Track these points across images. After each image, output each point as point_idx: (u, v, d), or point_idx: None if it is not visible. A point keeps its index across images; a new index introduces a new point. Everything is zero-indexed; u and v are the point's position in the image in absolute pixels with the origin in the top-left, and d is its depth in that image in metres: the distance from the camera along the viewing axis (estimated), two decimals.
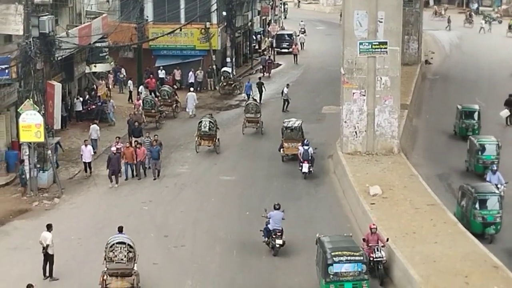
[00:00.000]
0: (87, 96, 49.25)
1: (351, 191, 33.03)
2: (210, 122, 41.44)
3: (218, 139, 41.95)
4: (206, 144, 41.63)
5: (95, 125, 42.99)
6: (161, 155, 37.91)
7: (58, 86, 38.17)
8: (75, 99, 48.26)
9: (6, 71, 35.30)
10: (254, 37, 77.14)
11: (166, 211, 32.72)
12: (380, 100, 37.59)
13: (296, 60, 71.36)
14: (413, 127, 46.87)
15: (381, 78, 37.35)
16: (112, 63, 52.26)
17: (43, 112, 35.25)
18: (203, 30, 59.09)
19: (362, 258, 23.92)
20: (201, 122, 41.61)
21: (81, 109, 47.95)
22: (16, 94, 36.63)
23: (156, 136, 38.71)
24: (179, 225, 31.02)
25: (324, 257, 23.98)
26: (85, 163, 37.95)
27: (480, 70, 65.27)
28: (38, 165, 35.31)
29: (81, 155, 38.18)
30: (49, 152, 35.81)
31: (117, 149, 37.22)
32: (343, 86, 38.15)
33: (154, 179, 37.03)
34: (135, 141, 40.33)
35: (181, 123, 49.31)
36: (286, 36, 79.24)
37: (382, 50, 37.02)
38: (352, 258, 23.84)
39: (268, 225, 28.12)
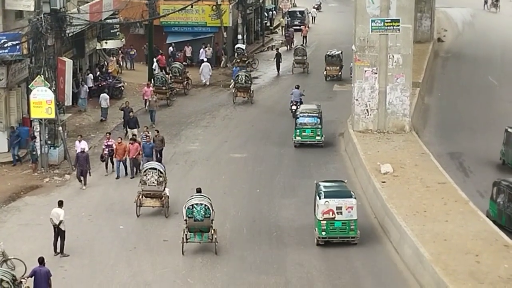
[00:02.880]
0: (98, 73, 49.19)
1: (362, 169, 32.96)
2: (245, 76, 47.31)
3: (253, 91, 47.82)
4: (242, 96, 47.34)
5: (104, 94, 43.72)
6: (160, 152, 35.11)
7: (69, 63, 38.09)
8: (86, 75, 48.19)
9: (17, 47, 35.25)
10: (266, 14, 76.78)
11: (177, 188, 32.65)
12: (392, 78, 37.41)
13: (306, 42, 69.27)
14: (425, 105, 46.69)
15: (393, 56, 37.17)
16: (123, 39, 52.15)
17: (54, 88, 35.23)
18: (214, 7, 58.91)
19: (317, 114, 38.11)
20: (238, 76, 47.40)
21: (92, 85, 47.88)
22: (27, 70, 36.61)
23: (157, 132, 35.96)
24: None
25: (295, 115, 39.21)
26: None
27: (492, 48, 64.86)
28: (49, 142, 35.35)
29: (76, 150, 34.47)
30: (60, 128, 35.83)
31: (108, 145, 34.44)
32: (355, 63, 38.01)
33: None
34: (133, 134, 37.53)
35: (192, 100, 49.25)
36: (298, 13, 78.87)
37: (395, 27, 36.78)
38: (311, 114, 38.16)
39: (291, 99, 43.34)
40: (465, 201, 28.26)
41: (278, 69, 56.72)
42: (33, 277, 21.59)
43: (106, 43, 49.80)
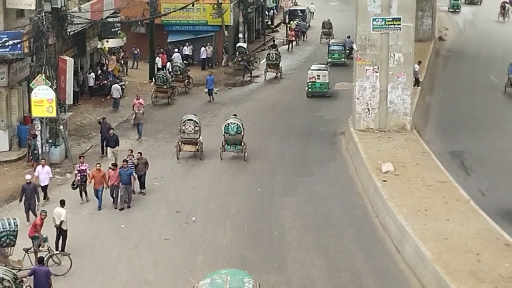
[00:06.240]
0: (99, 72, 49.20)
1: (363, 168, 32.96)
2: (275, 54, 54.82)
3: (281, 67, 55.09)
4: (272, 71, 54.46)
5: (116, 85, 44.35)
6: (142, 178, 31.81)
7: (70, 61, 38.04)
8: (87, 74, 48.22)
9: (18, 46, 35.25)
10: (267, 13, 76.72)
11: (178, 187, 32.74)
12: (393, 76, 37.42)
13: (292, 47, 67.57)
14: (426, 104, 46.68)
15: (394, 55, 37.17)
16: (124, 38, 52.15)
17: (55, 87, 35.21)
18: (215, 6, 58.90)
19: (342, 44, 58.64)
20: (269, 54, 55.29)
21: (93, 84, 47.91)
22: (28, 69, 36.58)
23: (140, 155, 32.15)
24: (191, 201, 31.02)
25: (328, 44, 60.48)
26: (40, 187, 30.42)
27: (493, 47, 64.86)
28: (50, 140, 35.35)
29: (36, 176, 30.42)
30: (61, 127, 35.83)
31: (82, 170, 30.63)
32: (356, 62, 38.02)
33: (121, 209, 29.82)
34: (114, 153, 35.00)
35: (193, 99, 49.22)
36: (299, 11, 78.78)
37: (396, 26, 36.77)
38: (338, 44, 58.83)
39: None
40: (466, 200, 28.27)
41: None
42: (33, 277, 21.62)
43: (107, 41, 49.84)
